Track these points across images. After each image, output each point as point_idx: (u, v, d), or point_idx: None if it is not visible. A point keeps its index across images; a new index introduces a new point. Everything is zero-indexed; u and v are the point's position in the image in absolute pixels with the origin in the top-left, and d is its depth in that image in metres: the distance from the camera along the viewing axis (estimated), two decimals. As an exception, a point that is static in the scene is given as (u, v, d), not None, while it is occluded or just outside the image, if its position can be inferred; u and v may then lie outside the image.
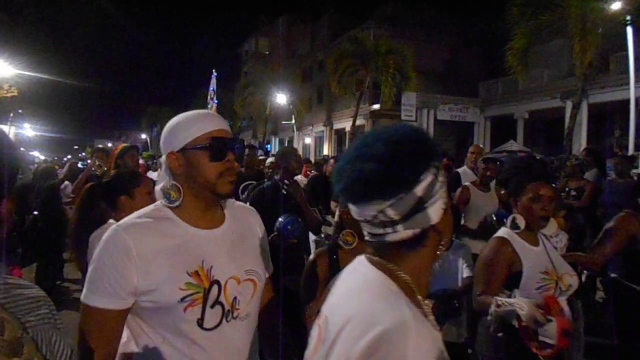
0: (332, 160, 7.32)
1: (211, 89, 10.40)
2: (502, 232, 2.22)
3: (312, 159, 14.84)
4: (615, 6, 11.59)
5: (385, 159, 0.88)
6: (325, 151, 28.47)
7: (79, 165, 8.51)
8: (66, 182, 6.72)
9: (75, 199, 6.99)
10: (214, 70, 10.07)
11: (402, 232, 0.92)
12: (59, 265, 6.62)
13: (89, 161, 6.19)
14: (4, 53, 16.50)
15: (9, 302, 0.85)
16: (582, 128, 17.13)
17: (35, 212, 6.18)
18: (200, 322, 1.23)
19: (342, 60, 21.21)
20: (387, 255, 0.95)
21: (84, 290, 1.23)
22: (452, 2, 34.04)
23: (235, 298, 1.30)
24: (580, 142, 16.20)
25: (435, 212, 0.91)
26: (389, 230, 0.92)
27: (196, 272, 1.24)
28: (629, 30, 11.81)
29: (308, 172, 7.27)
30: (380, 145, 0.90)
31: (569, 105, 16.11)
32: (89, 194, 2.41)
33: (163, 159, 1.36)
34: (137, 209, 1.45)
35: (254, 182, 4.85)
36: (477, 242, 3.85)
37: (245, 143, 28.99)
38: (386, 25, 24.82)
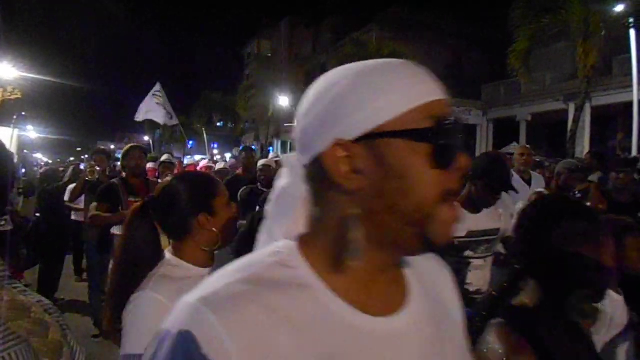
0: None
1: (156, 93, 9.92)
2: None
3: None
4: (618, 9, 11.57)
5: None
6: (328, 153, 28.41)
7: (82, 167, 8.49)
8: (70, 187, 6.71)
9: (73, 208, 6.86)
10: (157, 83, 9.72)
11: None
12: (61, 268, 6.63)
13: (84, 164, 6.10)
14: (7, 55, 16.58)
15: (47, 305, 0.84)
16: (585, 131, 17.08)
17: (38, 215, 6.19)
18: None
19: (344, 62, 21.01)
20: None
21: None
22: (455, 5, 34.04)
23: None
24: (584, 145, 16.16)
25: None
26: None
27: None
28: (632, 33, 11.78)
29: None
30: None
31: (572, 108, 16.05)
32: (141, 217, 1.45)
33: (291, 158, 0.68)
34: (216, 232, 1.31)
35: (254, 185, 4.59)
36: None
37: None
38: (388, 27, 24.83)
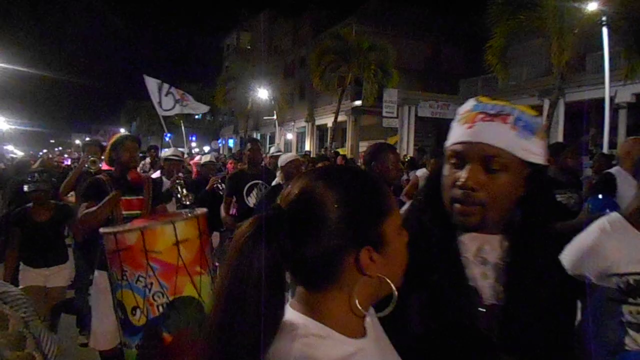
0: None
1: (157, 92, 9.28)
2: None
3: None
4: (592, 7, 11.82)
5: None
6: (307, 147, 28.44)
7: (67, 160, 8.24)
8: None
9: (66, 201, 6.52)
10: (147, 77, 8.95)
11: None
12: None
13: (65, 156, 5.95)
14: (-24, 44, 16.03)
15: (8, 297, 0.84)
16: (559, 126, 17.47)
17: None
18: None
19: (324, 56, 21.18)
20: None
21: None
22: (434, 0, 34.32)
23: None
24: (557, 140, 16.51)
25: None
26: None
27: None
28: (605, 30, 12.05)
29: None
30: None
31: (546, 103, 16.38)
32: (259, 241, 0.73)
33: None
34: (385, 280, 0.77)
35: (259, 181, 4.54)
36: None
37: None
38: (368, 22, 24.86)
